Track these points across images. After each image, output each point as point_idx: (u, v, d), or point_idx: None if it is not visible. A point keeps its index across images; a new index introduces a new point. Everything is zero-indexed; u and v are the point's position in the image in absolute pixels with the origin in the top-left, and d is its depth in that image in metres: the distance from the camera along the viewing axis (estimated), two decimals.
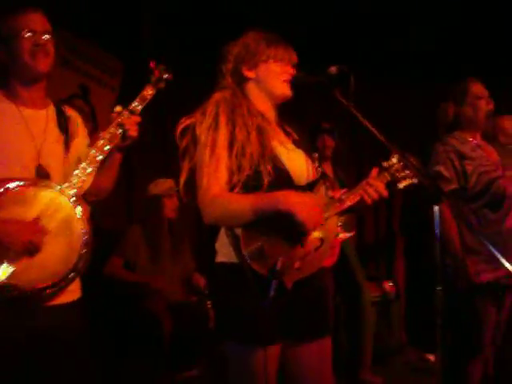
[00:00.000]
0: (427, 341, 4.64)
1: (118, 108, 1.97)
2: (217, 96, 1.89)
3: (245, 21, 2.05)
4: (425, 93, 4.11)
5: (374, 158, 1.90)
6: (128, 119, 1.94)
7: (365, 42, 4.10)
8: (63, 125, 2.00)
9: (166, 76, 2.07)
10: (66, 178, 1.88)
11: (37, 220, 1.76)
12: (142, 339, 3.27)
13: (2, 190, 1.76)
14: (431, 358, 4.36)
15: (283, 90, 1.92)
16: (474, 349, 2.65)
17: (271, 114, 1.96)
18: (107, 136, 1.91)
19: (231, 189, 1.80)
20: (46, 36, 1.90)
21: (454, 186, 2.64)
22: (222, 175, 1.79)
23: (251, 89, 1.94)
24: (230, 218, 1.79)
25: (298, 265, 1.78)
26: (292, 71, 1.91)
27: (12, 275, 1.69)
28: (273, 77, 1.91)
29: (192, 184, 1.87)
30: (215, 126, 1.81)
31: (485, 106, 2.73)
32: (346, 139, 4.07)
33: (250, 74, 1.92)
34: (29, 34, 1.87)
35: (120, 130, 1.93)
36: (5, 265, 1.70)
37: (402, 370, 4.23)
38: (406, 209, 4.88)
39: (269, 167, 1.79)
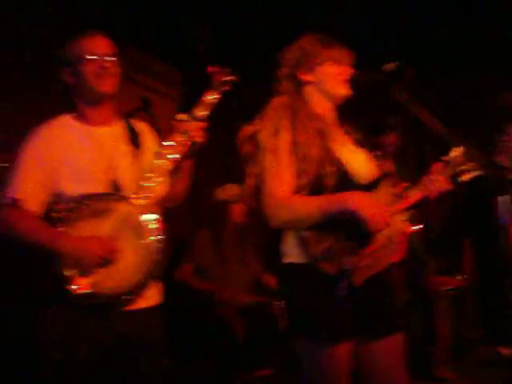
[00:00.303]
0: (502, 334, 4.54)
1: (182, 116, 2.00)
2: (276, 102, 1.93)
3: (300, 26, 2.07)
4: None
5: (435, 153, 1.88)
6: (192, 126, 1.96)
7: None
8: (133, 139, 2.06)
9: (227, 79, 2.08)
10: (137, 189, 1.94)
11: (112, 237, 1.84)
12: (215, 343, 3.35)
13: (77, 205, 1.86)
14: (505, 352, 4.24)
15: (342, 90, 1.93)
16: None
17: (331, 115, 1.98)
18: (173, 145, 1.95)
19: (296, 192, 1.83)
20: (111, 58, 1.97)
21: None
22: (286, 179, 1.83)
23: (309, 92, 1.96)
24: (298, 221, 1.82)
25: (367, 262, 1.80)
26: (349, 71, 1.92)
27: (91, 285, 1.79)
28: (331, 78, 1.93)
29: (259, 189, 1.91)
30: (276, 131, 1.85)
31: None
32: (407, 134, 4.02)
33: (307, 78, 1.95)
34: (94, 57, 1.94)
35: (185, 137, 1.96)
36: (83, 275, 1.80)
37: (475, 364, 4.12)
38: (470, 199, 4.76)
39: (331, 169, 1.82)
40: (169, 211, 2.16)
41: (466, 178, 1.91)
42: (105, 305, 1.82)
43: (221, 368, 3.28)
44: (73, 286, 1.78)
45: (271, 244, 4.27)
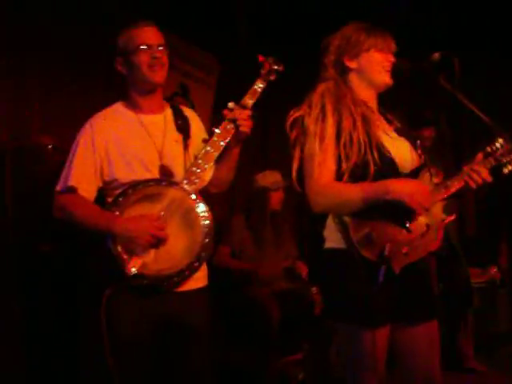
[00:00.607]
0: None
1: (231, 104, 2.02)
2: (321, 87, 1.96)
3: (335, 18, 2.08)
4: None
5: (476, 143, 1.89)
6: (240, 114, 1.99)
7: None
8: (181, 125, 2.11)
9: (276, 67, 2.11)
10: (187, 175, 2.00)
11: (159, 215, 1.91)
12: (250, 326, 3.41)
13: (131, 189, 1.93)
14: None
15: (385, 78, 1.96)
16: None
17: (373, 102, 2.01)
18: (221, 132, 1.99)
19: (339, 177, 1.87)
20: (161, 48, 2.02)
21: None
22: (331, 164, 1.87)
23: (353, 79, 1.99)
24: (341, 207, 1.86)
25: (406, 250, 1.83)
26: (392, 59, 1.95)
27: (142, 266, 1.86)
28: (375, 66, 1.95)
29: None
30: (322, 116, 1.88)
31: None
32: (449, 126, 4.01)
33: (352, 64, 1.98)
34: (145, 47, 1.99)
35: (233, 125, 1.99)
36: (135, 256, 1.87)
37: (507, 357, 4.11)
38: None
39: (376, 155, 1.84)
40: (210, 196, 2.22)
41: (507, 170, 1.93)
42: (155, 286, 1.89)
43: (255, 350, 3.35)
44: (126, 268, 1.84)
45: (307, 232, 4.36)
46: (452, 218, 1.98)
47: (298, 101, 1.97)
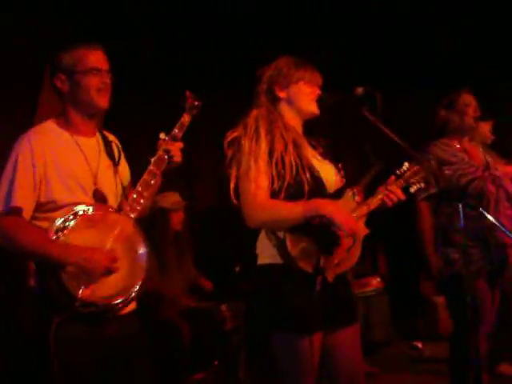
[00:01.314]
0: (413, 330, 5.02)
1: (162, 135, 2.09)
2: (255, 112, 2.14)
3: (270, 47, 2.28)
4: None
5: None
6: (173, 145, 2.05)
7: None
8: (109, 151, 2.12)
9: (197, 104, 2.19)
10: (117, 201, 2.03)
11: (113, 249, 1.91)
12: (161, 345, 3.43)
13: (72, 215, 1.89)
14: (419, 345, 4.70)
15: (312, 108, 2.17)
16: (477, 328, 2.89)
17: (300, 129, 2.22)
18: (156, 161, 2.04)
19: (273, 195, 2.04)
20: (109, 74, 2.03)
21: (432, 191, 2.95)
22: (264, 183, 2.03)
23: (283, 107, 2.19)
24: (278, 222, 2.02)
25: (337, 261, 2.04)
26: (318, 91, 2.17)
27: (91, 294, 1.84)
28: (302, 96, 2.16)
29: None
30: (256, 137, 2.05)
31: (472, 113, 3.06)
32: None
33: (282, 94, 2.17)
34: (97, 71, 1.99)
35: (166, 156, 2.04)
36: (84, 284, 1.84)
37: (395, 359, 4.54)
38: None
39: (307, 176, 2.04)
40: None
41: (413, 189, 2.23)
42: (102, 312, 1.89)
43: (167, 369, 3.37)
44: (76, 296, 1.82)
45: (207, 250, 4.46)
46: (367, 232, 2.23)
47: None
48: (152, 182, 2.02)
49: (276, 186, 2.03)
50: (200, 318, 3.64)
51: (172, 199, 3.94)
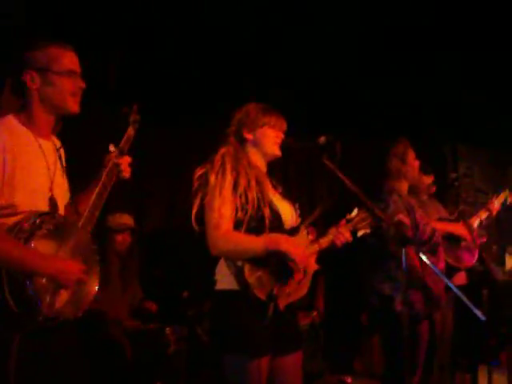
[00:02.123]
0: (344, 365, 5.22)
1: (112, 147, 2.09)
2: (222, 150, 2.33)
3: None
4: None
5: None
6: (122, 159, 2.07)
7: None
8: (60, 156, 2.05)
9: (137, 117, 2.22)
10: (87, 214, 1.98)
11: (80, 259, 1.90)
12: (104, 364, 3.46)
13: (39, 223, 1.82)
14: (348, 380, 4.90)
15: (275, 150, 2.39)
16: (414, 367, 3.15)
17: (264, 169, 2.42)
18: (108, 174, 2.03)
19: (235, 226, 2.21)
20: (82, 80, 1.99)
21: (410, 233, 3.12)
22: (228, 214, 2.20)
23: (249, 148, 2.39)
24: (239, 253, 2.20)
25: (288, 291, 2.22)
26: (282, 136, 2.39)
27: (52, 307, 1.80)
28: (267, 140, 2.38)
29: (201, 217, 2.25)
30: (222, 171, 2.24)
31: (417, 164, 3.37)
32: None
33: (248, 136, 2.38)
34: (71, 73, 1.94)
35: (116, 169, 2.05)
36: (53, 298, 1.81)
37: None
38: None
39: (268, 211, 2.23)
40: None
41: (359, 234, 2.47)
42: (61, 323, 1.85)
43: None
44: (39, 310, 1.76)
45: (151, 272, 4.52)
46: (317, 268, 2.43)
47: None
48: (104, 194, 2.01)
49: (239, 217, 2.21)
50: (144, 339, 3.68)
51: (120, 220, 3.95)
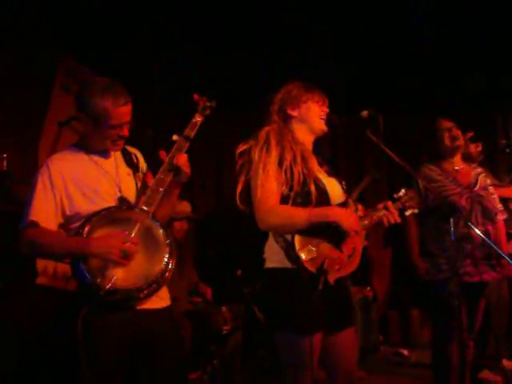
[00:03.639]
0: (400, 338, 5.23)
1: (175, 136, 2.28)
2: (266, 128, 2.34)
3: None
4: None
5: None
6: (180, 159, 2.21)
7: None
8: (129, 161, 2.34)
9: (209, 104, 2.40)
10: (144, 198, 2.18)
11: (124, 232, 2.08)
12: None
13: (94, 217, 2.10)
14: (405, 352, 4.91)
15: (321, 125, 2.39)
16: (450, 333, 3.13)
17: (309, 146, 2.42)
18: (164, 170, 2.21)
19: (281, 201, 2.22)
20: (128, 125, 2.20)
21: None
22: (274, 189, 2.21)
23: (294, 124, 2.40)
24: (287, 226, 2.21)
25: (338, 266, 2.24)
26: (326, 110, 2.39)
27: (114, 282, 2.01)
28: (312, 114, 2.38)
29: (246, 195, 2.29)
30: (267, 147, 2.25)
31: (454, 133, 3.33)
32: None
33: (293, 113, 2.39)
34: (116, 127, 2.16)
35: (169, 170, 2.20)
36: (107, 273, 2.02)
37: (381, 364, 4.74)
38: None
39: (313, 187, 2.24)
40: None
41: (408, 213, 2.45)
42: (127, 300, 2.05)
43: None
44: (100, 284, 1.99)
45: (205, 254, 4.63)
46: (367, 243, 2.44)
47: None
48: (166, 178, 2.20)
49: (284, 192, 2.22)
50: (201, 318, 3.79)
51: (178, 208, 4.05)
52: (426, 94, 5.01)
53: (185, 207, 4.14)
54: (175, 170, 2.21)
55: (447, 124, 3.39)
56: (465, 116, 3.45)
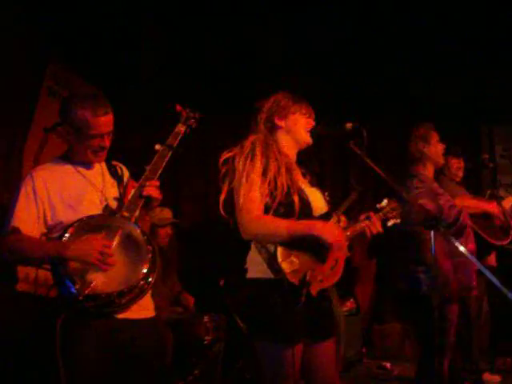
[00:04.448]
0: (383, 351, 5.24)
1: (158, 146, 2.32)
2: (252, 137, 2.34)
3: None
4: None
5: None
6: (148, 190, 2.22)
7: None
8: (113, 172, 2.37)
9: (194, 115, 2.45)
10: (126, 204, 2.22)
11: (104, 234, 2.09)
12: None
13: (76, 223, 2.11)
14: (387, 365, 4.92)
15: (307, 138, 2.40)
16: (443, 349, 3.13)
17: (293, 157, 2.43)
18: (146, 179, 2.25)
19: (264, 212, 2.21)
20: (110, 135, 2.24)
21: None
22: (257, 197, 2.21)
23: (280, 135, 2.41)
24: (270, 236, 2.21)
25: (321, 278, 2.24)
26: (312, 123, 2.40)
27: (93, 287, 2.00)
28: (299, 126, 2.40)
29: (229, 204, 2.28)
30: (252, 156, 2.25)
31: (441, 147, 3.34)
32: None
33: (281, 123, 2.40)
34: (96, 136, 2.19)
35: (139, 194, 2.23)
36: (87, 278, 2.00)
37: (363, 376, 4.73)
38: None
39: (297, 198, 2.24)
40: None
41: (390, 223, 2.47)
42: (107, 305, 2.03)
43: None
44: (78, 289, 1.98)
45: (192, 264, 4.62)
46: (349, 254, 2.44)
47: None
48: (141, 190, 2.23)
49: (267, 203, 2.22)
50: (182, 328, 3.77)
51: (161, 215, 4.11)
52: (411, 108, 5.05)
53: (167, 214, 4.18)
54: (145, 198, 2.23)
55: (437, 135, 3.37)
56: (448, 128, 3.46)
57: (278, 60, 4.21)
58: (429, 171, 3.36)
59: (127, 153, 2.56)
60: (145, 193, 2.21)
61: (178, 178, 4.84)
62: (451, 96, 5.21)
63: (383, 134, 5.10)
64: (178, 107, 2.46)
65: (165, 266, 4.14)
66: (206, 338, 3.74)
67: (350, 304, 4.99)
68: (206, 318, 3.79)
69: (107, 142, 2.24)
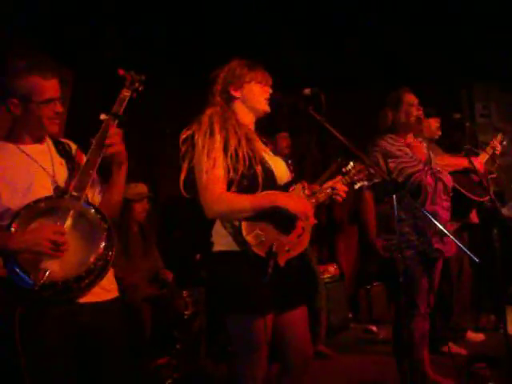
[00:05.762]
0: (369, 315, 5.26)
1: (103, 116, 2.17)
2: (209, 111, 2.27)
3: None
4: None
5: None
6: (111, 138, 2.10)
7: None
8: (62, 151, 2.23)
9: (139, 78, 2.30)
10: (74, 183, 2.08)
11: (55, 223, 1.98)
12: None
13: (23, 211, 1.99)
14: (374, 328, 4.94)
15: (264, 106, 2.33)
16: (413, 308, 3.14)
17: (252, 126, 2.37)
18: (93, 152, 2.10)
19: (228, 186, 2.17)
20: (61, 101, 2.11)
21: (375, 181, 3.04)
22: (220, 175, 2.15)
23: (237, 105, 2.34)
24: (234, 213, 2.16)
25: (288, 247, 2.20)
26: (270, 91, 2.33)
27: (49, 275, 1.91)
28: (255, 95, 2.32)
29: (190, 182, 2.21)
30: (210, 132, 2.18)
31: (415, 111, 3.27)
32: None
33: (236, 94, 2.32)
34: (49, 101, 2.06)
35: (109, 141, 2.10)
36: (41, 267, 1.91)
37: (351, 341, 4.76)
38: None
39: (259, 169, 2.19)
40: None
41: (357, 186, 2.43)
42: (64, 292, 1.95)
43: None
44: (34, 279, 1.89)
45: (169, 238, 4.59)
46: (316, 222, 2.40)
47: None
48: (97, 159, 2.09)
49: (231, 177, 2.17)
50: (162, 304, 3.77)
51: (135, 190, 4.07)
52: (390, 68, 4.97)
53: (142, 188, 4.14)
54: (107, 148, 2.10)
55: (412, 99, 3.31)
56: (428, 89, 3.38)
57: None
58: (402, 136, 3.30)
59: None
60: (107, 141, 2.09)
61: (152, 153, 4.75)
62: (430, 57, 5.12)
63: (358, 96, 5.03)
64: (121, 71, 2.30)
65: (143, 241, 4.13)
66: (186, 312, 3.73)
67: (333, 271, 4.99)
68: (184, 293, 3.78)
69: (60, 108, 2.11)
